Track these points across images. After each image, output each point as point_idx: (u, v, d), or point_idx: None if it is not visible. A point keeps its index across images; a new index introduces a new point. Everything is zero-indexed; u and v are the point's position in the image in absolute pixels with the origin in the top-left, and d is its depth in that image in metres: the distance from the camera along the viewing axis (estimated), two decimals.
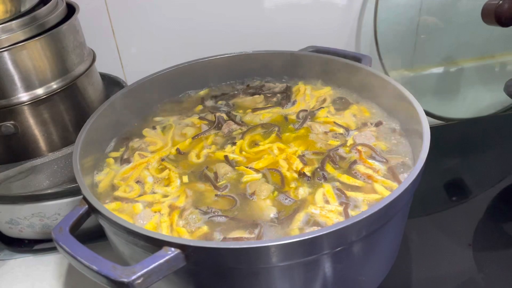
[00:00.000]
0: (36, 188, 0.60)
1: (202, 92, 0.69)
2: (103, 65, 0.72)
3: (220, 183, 0.52)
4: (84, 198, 0.44)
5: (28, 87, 0.56)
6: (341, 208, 0.46)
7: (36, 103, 0.57)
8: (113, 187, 0.53)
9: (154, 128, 0.62)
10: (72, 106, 0.61)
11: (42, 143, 0.60)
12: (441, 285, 0.57)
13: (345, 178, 0.50)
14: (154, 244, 0.39)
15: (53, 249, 0.65)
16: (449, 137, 0.85)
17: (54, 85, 0.58)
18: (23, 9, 0.57)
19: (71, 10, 0.62)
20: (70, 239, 0.41)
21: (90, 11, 0.73)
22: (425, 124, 0.49)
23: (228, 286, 0.43)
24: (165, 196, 0.51)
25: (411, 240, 0.63)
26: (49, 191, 0.60)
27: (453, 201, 0.71)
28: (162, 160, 0.56)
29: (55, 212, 0.62)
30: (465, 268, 0.60)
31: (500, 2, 0.67)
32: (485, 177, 0.75)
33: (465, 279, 0.58)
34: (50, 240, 0.66)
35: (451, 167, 0.78)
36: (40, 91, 0.57)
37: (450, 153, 0.81)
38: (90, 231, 0.54)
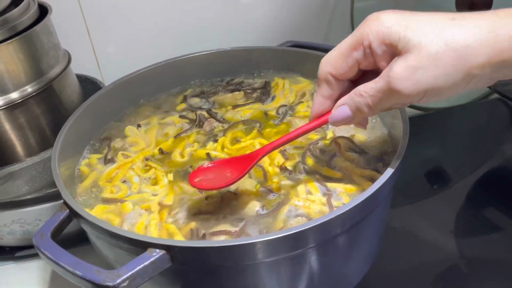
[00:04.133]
0: (15, 194, 0.58)
1: (182, 91, 0.68)
2: (79, 66, 0.71)
3: None
4: (65, 203, 0.44)
5: (2, 91, 0.55)
6: (324, 199, 0.47)
7: (11, 107, 0.56)
8: (97, 189, 0.52)
9: (139, 126, 0.61)
10: (49, 109, 0.60)
11: (19, 148, 0.59)
12: (425, 272, 0.58)
13: (325, 171, 0.51)
14: (139, 246, 0.39)
15: (35, 256, 0.64)
16: (428, 126, 0.86)
17: (29, 89, 0.57)
18: None
19: (43, 11, 0.61)
20: (52, 245, 0.40)
21: (64, 11, 0.71)
22: (404, 113, 0.49)
23: (215, 284, 0.43)
24: (154, 194, 0.51)
25: (395, 230, 0.64)
26: (28, 196, 0.59)
27: (434, 189, 0.72)
28: (147, 159, 0.55)
29: (36, 218, 0.61)
30: (447, 255, 0.61)
31: None
32: (464, 164, 0.76)
33: (448, 265, 0.59)
34: (32, 246, 0.64)
35: (431, 156, 0.79)
36: (14, 95, 0.56)
37: (430, 142, 0.82)
38: (72, 236, 0.53)
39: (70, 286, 0.57)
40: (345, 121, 0.42)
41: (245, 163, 0.47)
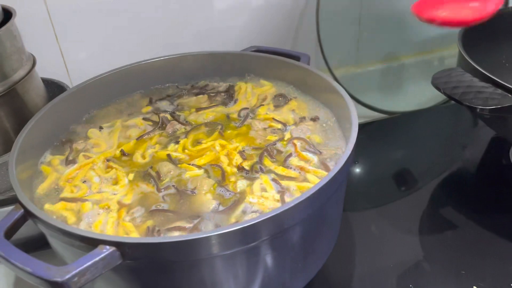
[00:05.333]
0: None
1: (146, 94, 0.69)
2: (47, 71, 0.72)
3: (163, 182, 0.52)
4: (19, 202, 0.44)
5: None
6: (278, 196, 0.49)
7: None
8: (58, 189, 0.53)
9: (101, 128, 0.62)
10: (12, 111, 0.61)
11: None
12: (389, 273, 0.60)
13: (280, 170, 0.52)
14: (89, 243, 0.39)
15: None
16: (394, 130, 0.88)
17: None
18: None
19: (8, 16, 0.61)
20: (5, 243, 0.40)
21: (31, 16, 0.72)
22: (353, 113, 0.51)
23: (169, 280, 0.44)
24: (114, 194, 0.52)
25: (357, 231, 0.66)
26: None
27: (400, 191, 0.74)
28: (108, 160, 0.56)
29: None
30: (411, 254, 0.63)
31: None
32: (428, 166, 0.79)
33: (411, 264, 0.61)
34: None
35: (396, 159, 0.81)
36: None
37: (395, 145, 0.84)
38: (36, 239, 0.53)
39: None
40: None
41: None
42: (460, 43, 0.67)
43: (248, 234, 0.41)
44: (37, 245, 0.55)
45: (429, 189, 0.74)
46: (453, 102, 0.87)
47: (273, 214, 0.40)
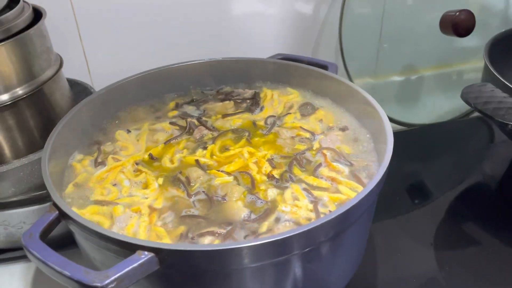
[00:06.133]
0: (0, 196, 0.58)
1: (172, 98, 0.69)
2: (69, 71, 0.72)
3: (193, 188, 0.52)
4: (54, 204, 0.44)
5: None
6: (311, 205, 0.48)
7: (0, 109, 0.56)
8: (87, 190, 0.53)
9: (128, 131, 0.62)
10: (38, 112, 0.60)
11: (6, 150, 0.59)
12: (405, 284, 0.59)
13: (311, 180, 0.52)
14: (128, 248, 0.39)
15: (18, 258, 0.63)
16: (411, 142, 0.88)
17: (19, 91, 0.57)
18: None
19: (38, 15, 0.61)
20: (41, 245, 0.40)
21: (57, 16, 0.72)
22: (388, 128, 0.51)
23: None
24: (144, 198, 0.51)
25: (376, 242, 0.65)
26: (14, 198, 0.59)
27: (415, 203, 0.74)
28: (137, 164, 0.56)
29: (20, 221, 0.60)
30: (427, 267, 0.62)
31: (457, 13, 0.71)
32: (445, 179, 0.78)
33: (427, 278, 0.61)
34: (14, 249, 0.64)
35: (413, 171, 0.81)
36: (5, 97, 0.56)
37: (412, 157, 0.84)
38: (56, 239, 0.53)
39: None
40: None
41: None
42: (487, 57, 0.67)
43: (281, 246, 0.40)
44: (57, 245, 0.54)
45: (446, 202, 0.74)
46: (471, 116, 0.88)
47: (311, 227, 0.40)
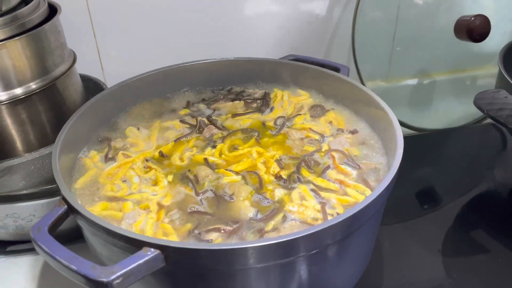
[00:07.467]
0: (11, 189, 0.59)
1: (183, 96, 0.69)
2: (82, 66, 0.72)
3: (201, 186, 0.52)
4: (63, 199, 0.44)
5: (7, 86, 0.56)
6: (318, 206, 0.48)
7: (14, 102, 0.57)
8: (97, 186, 0.53)
9: (138, 128, 0.62)
10: (51, 106, 0.61)
11: (19, 143, 0.59)
12: None
13: (319, 181, 0.52)
14: (134, 244, 0.39)
15: (26, 251, 0.64)
16: (422, 147, 0.87)
17: (33, 85, 0.58)
18: (4, 8, 0.57)
19: (53, 11, 0.62)
20: (49, 239, 0.41)
21: (71, 11, 0.72)
22: (399, 132, 0.51)
23: None
24: (154, 195, 0.52)
25: (384, 247, 0.65)
26: (24, 191, 0.59)
27: (424, 209, 0.74)
28: (147, 160, 0.56)
29: (30, 213, 0.61)
30: (434, 274, 0.61)
31: (472, 18, 0.70)
32: (455, 186, 0.78)
33: (434, 285, 0.60)
34: (23, 241, 0.65)
35: (423, 176, 0.81)
36: (18, 91, 0.57)
37: (422, 162, 0.84)
38: (64, 233, 0.54)
39: (59, 282, 0.59)
40: None
41: None
42: (501, 64, 0.66)
43: (287, 248, 0.40)
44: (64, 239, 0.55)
45: (455, 208, 0.73)
46: (483, 122, 0.86)
47: (318, 229, 0.40)
